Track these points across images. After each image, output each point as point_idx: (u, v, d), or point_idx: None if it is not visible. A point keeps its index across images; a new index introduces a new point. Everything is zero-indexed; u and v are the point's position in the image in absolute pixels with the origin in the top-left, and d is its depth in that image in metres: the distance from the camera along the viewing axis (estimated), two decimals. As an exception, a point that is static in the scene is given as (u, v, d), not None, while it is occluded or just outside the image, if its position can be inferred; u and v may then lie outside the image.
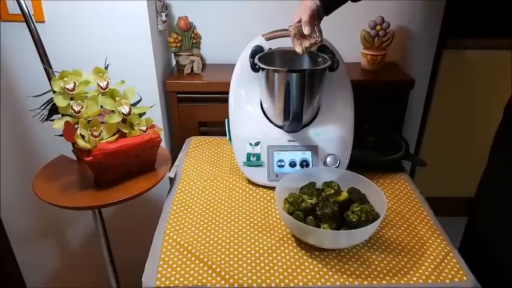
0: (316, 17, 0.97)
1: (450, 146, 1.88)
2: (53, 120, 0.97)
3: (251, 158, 1.06)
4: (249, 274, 0.80)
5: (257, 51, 1.06)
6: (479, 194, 1.10)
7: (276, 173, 1.05)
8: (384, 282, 0.78)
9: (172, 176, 1.13)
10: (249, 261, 0.83)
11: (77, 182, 1.05)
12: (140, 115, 1.05)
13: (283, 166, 1.05)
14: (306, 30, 0.95)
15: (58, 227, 1.56)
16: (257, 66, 1.01)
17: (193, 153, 1.23)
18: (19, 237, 1.54)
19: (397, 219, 0.95)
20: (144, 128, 1.02)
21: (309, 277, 0.79)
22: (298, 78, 0.93)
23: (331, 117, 1.08)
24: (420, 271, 0.80)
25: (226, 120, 1.12)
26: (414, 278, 0.79)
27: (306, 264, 0.82)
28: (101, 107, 0.98)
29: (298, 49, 0.97)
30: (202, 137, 1.34)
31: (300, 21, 0.96)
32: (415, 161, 1.28)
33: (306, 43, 0.97)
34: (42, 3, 1.17)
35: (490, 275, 0.97)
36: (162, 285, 0.78)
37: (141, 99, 1.07)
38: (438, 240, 0.88)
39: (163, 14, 1.32)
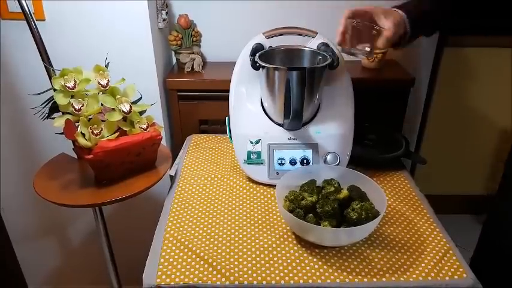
0: (400, 30, 0.83)
1: (450, 143, 1.88)
2: (53, 118, 0.97)
3: (251, 156, 1.06)
4: (250, 272, 0.80)
5: (257, 49, 1.06)
6: (500, 192, 1.08)
7: (277, 171, 1.05)
8: (384, 279, 0.78)
9: (173, 174, 1.13)
10: (249, 258, 0.83)
11: (77, 180, 1.05)
12: (141, 113, 1.05)
13: (283, 164, 1.05)
14: (380, 43, 0.81)
15: (59, 225, 1.56)
16: (257, 64, 1.01)
17: (194, 151, 1.24)
18: (20, 235, 1.54)
19: (397, 216, 0.95)
20: (145, 126, 1.02)
21: (309, 274, 0.79)
22: (299, 76, 0.93)
23: (332, 115, 1.08)
24: (420, 268, 0.81)
25: (226, 118, 1.12)
26: (414, 275, 0.79)
27: (306, 261, 0.82)
28: (102, 105, 0.98)
29: (338, 38, 0.83)
30: (202, 135, 1.34)
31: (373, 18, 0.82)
32: (415, 159, 1.28)
33: (354, 48, 0.83)
34: (42, 1, 1.17)
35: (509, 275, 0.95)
36: (163, 283, 0.78)
37: (141, 97, 1.07)
38: (438, 238, 0.88)
39: (164, 12, 1.32)
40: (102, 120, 0.97)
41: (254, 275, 0.79)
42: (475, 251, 1.13)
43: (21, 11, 1.01)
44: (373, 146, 1.18)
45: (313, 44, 1.09)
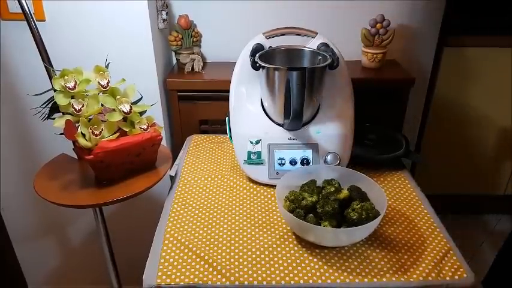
0: None
1: (450, 143, 1.88)
2: (53, 118, 0.97)
3: (252, 156, 1.06)
4: (250, 272, 0.80)
5: (257, 49, 1.06)
6: None
7: (277, 171, 1.05)
8: (384, 279, 0.78)
9: (173, 174, 1.13)
10: (249, 259, 0.83)
11: (77, 181, 1.05)
12: (141, 113, 1.05)
13: (283, 164, 1.05)
14: None
15: (59, 225, 1.56)
16: (257, 65, 1.01)
17: (194, 152, 1.24)
18: (20, 235, 1.54)
19: (397, 216, 0.95)
20: (145, 127, 1.02)
21: (309, 275, 0.79)
22: (299, 76, 0.93)
23: (332, 115, 1.08)
24: (420, 268, 0.81)
25: (226, 118, 1.12)
26: (414, 276, 0.79)
27: (307, 262, 0.82)
28: (102, 105, 0.98)
29: None
30: (203, 135, 1.34)
31: None
32: (414, 159, 1.28)
33: None
34: (43, 2, 1.17)
35: None
36: (163, 283, 0.78)
37: (141, 98, 1.07)
38: (438, 238, 0.88)
39: (164, 13, 1.32)
40: (103, 121, 0.97)
41: (254, 275, 0.79)
42: (499, 252, 1.11)
43: (21, 11, 1.01)
44: (373, 146, 1.18)
45: (313, 44, 1.09)
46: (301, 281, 0.78)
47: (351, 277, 0.79)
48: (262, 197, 1.03)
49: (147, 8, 1.20)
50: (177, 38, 1.36)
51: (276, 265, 0.82)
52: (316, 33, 1.10)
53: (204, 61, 1.49)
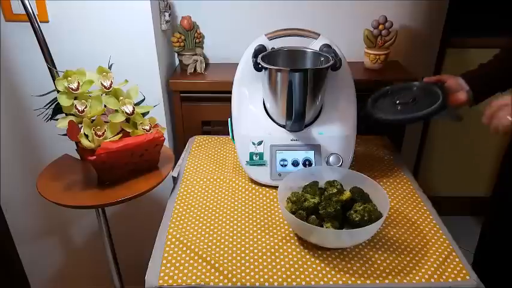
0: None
1: (453, 145, 1.87)
2: (57, 119, 0.98)
3: (254, 157, 1.06)
4: (252, 273, 0.80)
5: (260, 50, 1.06)
6: (496, 193, 1.07)
7: (279, 172, 1.05)
8: (387, 281, 0.78)
9: (176, 175, 1.14)
10: (251, 260, 0.83)
11: (80, 181, 1.06)
12: (144, 114, 1.05)
13: (286, 165, 1.05)
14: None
15: (62, 226, 1.57)
16: (260, 66, 1.01)
17: (197, 153, 1.24)
18: (23, 235, 1.55)
19: (399, 218, 0.95)
20: (148, 127, 1.02)
21: (311, 276, 0.79)
22: (301, 78, 0.93)
23: (334, 116, 1.08)
24: (423, 270, 0.80)
25: (229, 119, 1.12)
26: (417, 277, 0.79)
27: (309, 263, 0.82)
28: (105, 106, 0.98)
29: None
30: (205, 136, 1.34)
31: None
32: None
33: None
34: (46, 3, 1.17)
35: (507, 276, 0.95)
36: (165, 284, 0.78)
37: (144, 99, 1.08)
38: (441, 240, 0.88)
39: (167, 14, 1.32)
40: (105, 122, 0.98)
41: (256, 276, 0.79)
42: (474, 254, 1.13)
43: (24, 12, 1.02)
44: (404, 104, 1.05)
45: (315, 45, 1.09)
46: (303, 283, 0.78)
47: (353, 279, 0.79)
48: (264, 198, 1.03)
49: (150, 10, 1.20)
50: (180, 39, 1.37)
51: (278, 266, 0.81)
52: (319, 35, 1.10)
53: (207, 62, 1.49)
